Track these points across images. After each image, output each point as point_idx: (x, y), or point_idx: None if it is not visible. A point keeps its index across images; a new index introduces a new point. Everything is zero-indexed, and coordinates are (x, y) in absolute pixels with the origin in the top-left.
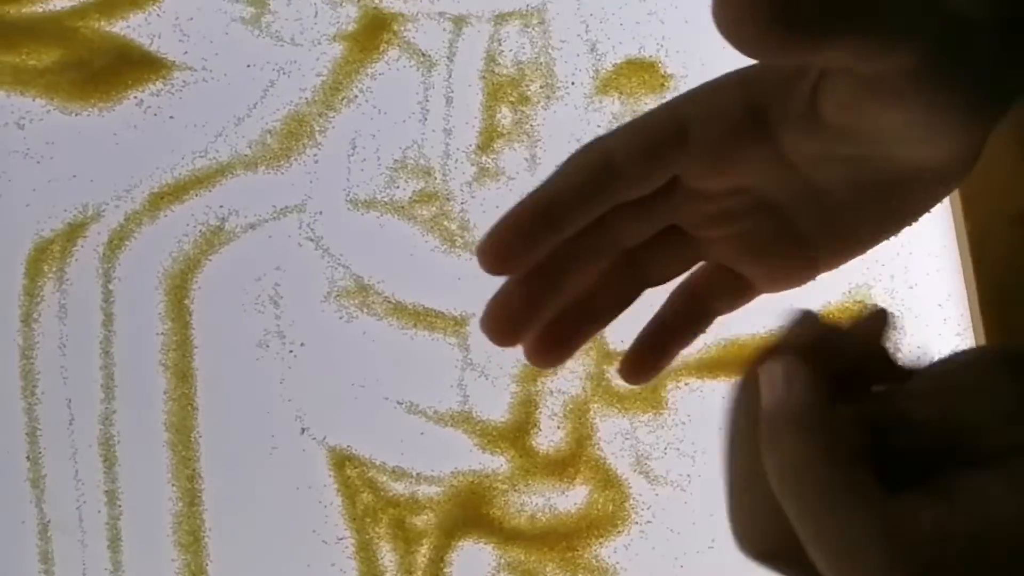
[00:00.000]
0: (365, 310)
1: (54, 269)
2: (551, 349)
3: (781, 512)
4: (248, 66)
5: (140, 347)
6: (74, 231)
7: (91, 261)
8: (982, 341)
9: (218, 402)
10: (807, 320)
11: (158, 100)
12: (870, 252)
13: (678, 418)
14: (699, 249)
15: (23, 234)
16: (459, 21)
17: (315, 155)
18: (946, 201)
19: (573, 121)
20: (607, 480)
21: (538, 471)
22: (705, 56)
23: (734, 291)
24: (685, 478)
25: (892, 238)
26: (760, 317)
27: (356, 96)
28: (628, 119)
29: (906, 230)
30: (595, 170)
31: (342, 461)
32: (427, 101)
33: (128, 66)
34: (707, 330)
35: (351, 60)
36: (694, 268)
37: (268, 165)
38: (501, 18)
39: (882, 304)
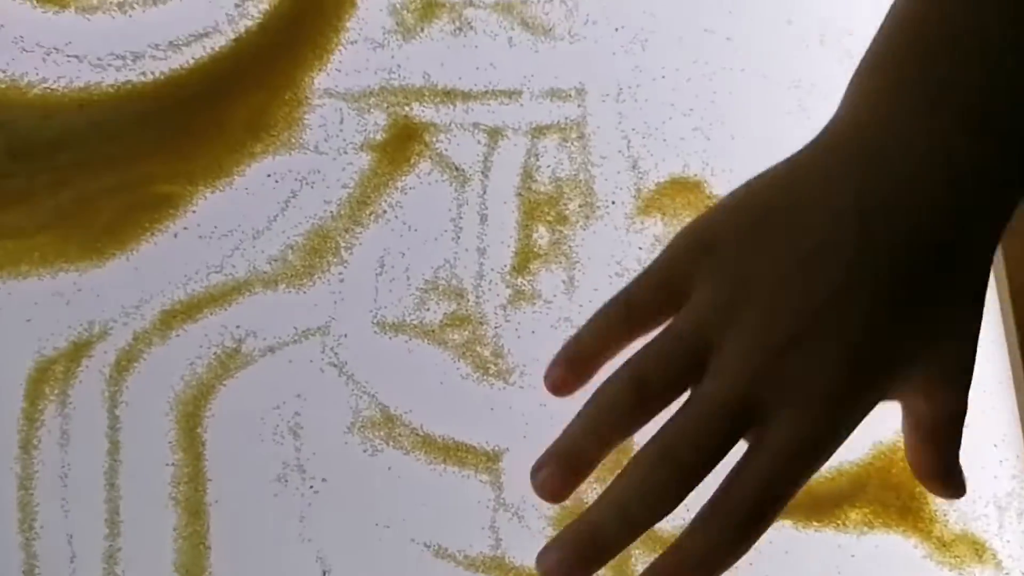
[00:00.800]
0: (391, 443)
1: (56, 391)
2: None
3: None
4: (268, 175)
5: (148, 479)
6: (78, 350)
7: (96, 384)
8: None
9: (232, 541)
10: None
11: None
12: None
13: None
14: None
15: (23, 353)
16: (494, 133)
17: (340, 273)
18: (1002, 338)
19: (613, 242)
20: None
21: None
22: (752, 176)
23: None
24: None
25: None
26: None
27: (385, 211)
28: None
29: None
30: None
31: None
32: (460, 218)
33: None
34: None
35: (379, 172)
36: None
37: (289, 283)
38: (538, 131)
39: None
